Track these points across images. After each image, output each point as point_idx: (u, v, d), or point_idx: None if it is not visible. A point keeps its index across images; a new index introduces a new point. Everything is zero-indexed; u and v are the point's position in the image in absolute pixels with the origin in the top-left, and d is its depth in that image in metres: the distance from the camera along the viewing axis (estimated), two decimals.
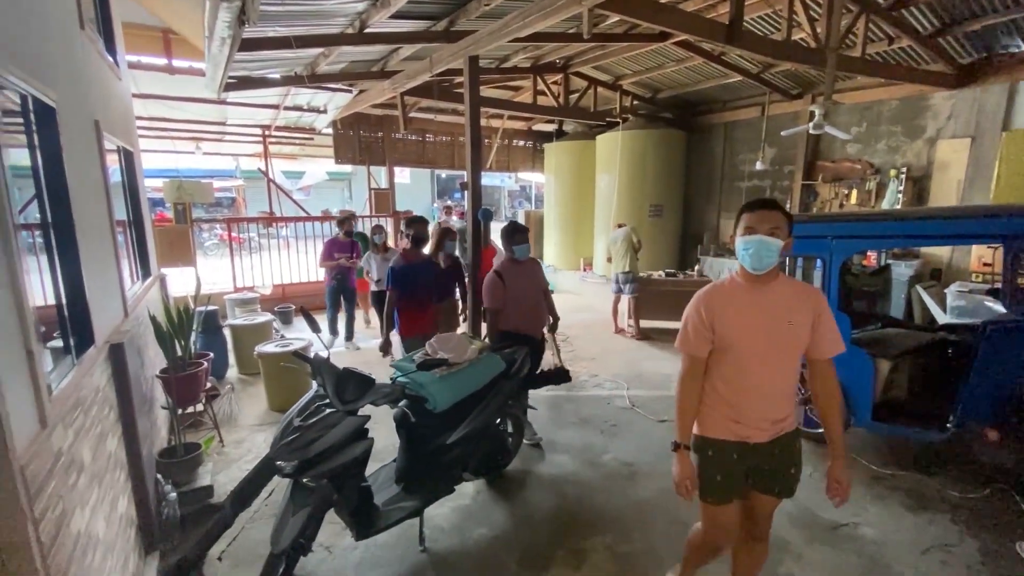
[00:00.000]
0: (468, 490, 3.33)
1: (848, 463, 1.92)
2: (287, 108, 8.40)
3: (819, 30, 5.15)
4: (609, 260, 6.98)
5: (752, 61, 7.55)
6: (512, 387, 3.13)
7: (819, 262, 3.84)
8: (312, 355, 2.56)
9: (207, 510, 3.01)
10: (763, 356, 1.82)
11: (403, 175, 17.49)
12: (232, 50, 3.68)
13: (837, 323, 1.88)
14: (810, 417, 3.79)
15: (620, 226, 7.10)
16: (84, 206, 2.38)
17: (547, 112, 9.15)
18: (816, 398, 1.93)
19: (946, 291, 5.80)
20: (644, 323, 6.96)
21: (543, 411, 4.45)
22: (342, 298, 6.49)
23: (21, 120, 1.89)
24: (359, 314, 7.20)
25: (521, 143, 13.12)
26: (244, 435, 4.14)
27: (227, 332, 5.60)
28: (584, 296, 9.48)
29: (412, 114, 9.53)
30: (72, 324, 2.14)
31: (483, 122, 8.27)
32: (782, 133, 6.85)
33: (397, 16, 5.04)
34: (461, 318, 4.95)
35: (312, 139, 11.23)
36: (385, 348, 3.95)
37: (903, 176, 7.06)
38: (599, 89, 9.33)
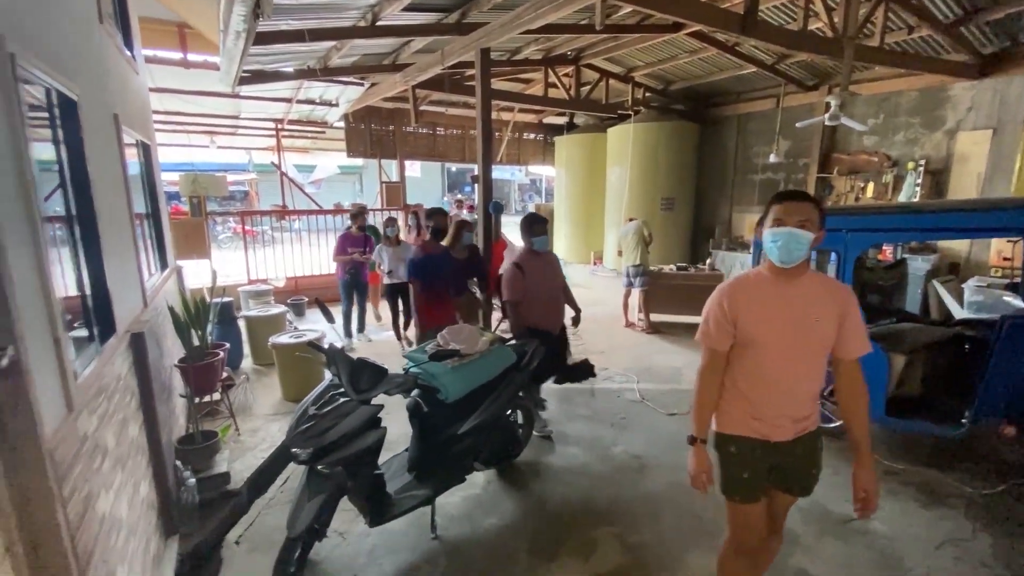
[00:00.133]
0: (479, 480, 3.36)
1: (874, 467, 1.82)
2: (299, 102, 8.46)
3: (836, 19, 5.07)
4: (620, 254, 6.96)
5: (767, 52, 7.46)
6: (523, 378, 3.16)
7: (833, 256, 3.80)
8: (327, 345, 2.60)
9: (224, 496, 3.08)
10: (786, 353, 1.76)
11: (413, 168, 17.53)
12: (247, 44, 3.71)
13: None
14: (823, 412, 3.77)
15: (631, 220, 7.08)
16: (105, 198, 2.43)
17: (558, 105, 9.12)
18: (840, 399, 1.86)
19: (963, 286, 5.72)
20: (655, 317, 6.94)
21: (553, 404, 4.47)
22: (355, 292, 6.54)
23: (45, 114, 1.94)
24: (369, 308, 7.25)
25: (531, 136, 13.09)
26: (259, 424, 4.21)
27: (241, 323, 5.69)
28: (594, 290, 9.46)
29: (423, 107, 9.56)
30: (95, 313, 2.20)
31: (493, 115, 8.25)
32: (797, 124, 6.77)
33: (409, 8, 5.06)
34: (481, 312, 4.92)
35: (324, 132, 11.30)
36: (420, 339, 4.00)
37: (921, 169, 6.94)
38: (611, 81, 9.28)
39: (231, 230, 16.13)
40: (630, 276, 6.80)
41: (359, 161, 15.55)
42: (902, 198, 7.05)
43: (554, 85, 8.68)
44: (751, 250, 5.41)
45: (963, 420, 3.24)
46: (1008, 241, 5.72)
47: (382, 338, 6.64)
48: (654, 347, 6.31)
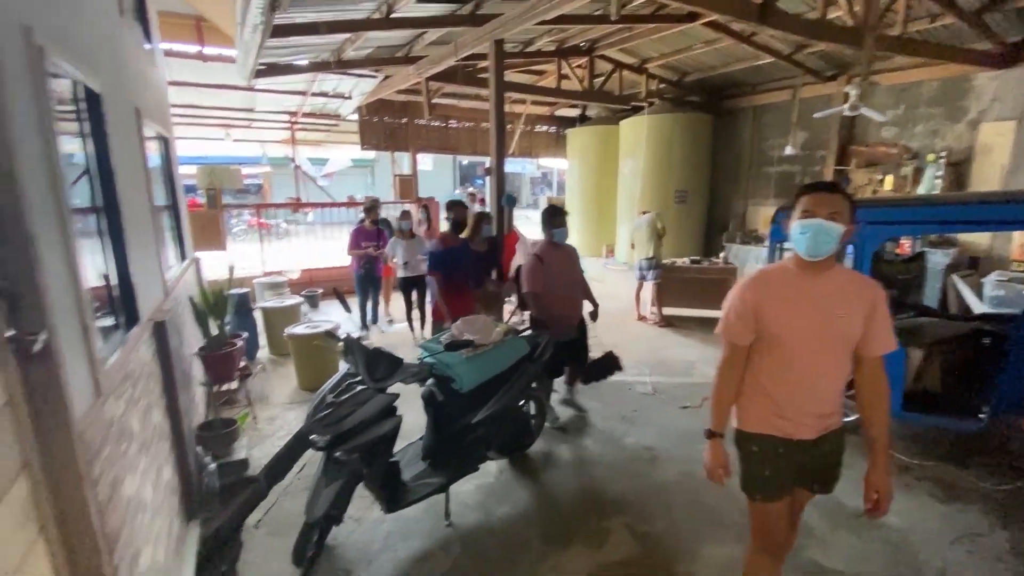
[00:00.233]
0: (491, 469, 3.40)
1: (890, 468, 1.79)
2: (314, 95, 8.50)
3: (857, 8, 4.98)
4: (633, 247, 6.94)
5: (784, 42, 7.34)
6: (536, 369, 3.18)
7: (850, 249, 3.76)
8: (344, 335, 2.64)
9: (244, 482, 3.15)
10: (811, 349, 1.72)
11: (425, 162, 17.57)
12: (264, 36, 3.75)
13: None
14: None
15: (644, 213, 7.04)
16: (128, 191, 2.48)
17: (571, 96, 9.07)
18: (861, 396, 1.81)
19: (984, 280, 5.63)
20: (667, 310, 6.91)
21: (565, 395, 4.49)
22: (369, 286, 6.57)
23: (71, 107, 1.98)
24: (381, 302, 7.29)
25: (543, 129, 13.05)
26: (276, 412, 4.29)
27: (257, 314, 5.78)
28: (606, 283, 9.44)
29: (435, 100, 9.56)
30: (119, 302, 2.25)
31: (506, 107, 8.25)
32: (815, 115, 6.66)
33: (424, 0, 5.06)
34: (507, 302, 4.87)
35: (337, 125, 11.37)
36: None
37: (942, 161, 6.81)
38: (624, 72, 9.21)
39: (245, 223, 16.33)
40: (643, 269, 6.78)
41: (371, 154, 15.65)
42: (921, 191, 6.93)
43: (567, 77, 8.63)
44: (767, 243, 5.36)
45: (981, 415, 3.20)
46: None
47: (395, 330, 6.70)
48: (666, 341, 6.30)
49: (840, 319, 1.69)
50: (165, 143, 4.16)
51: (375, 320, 6.79)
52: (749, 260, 8.20)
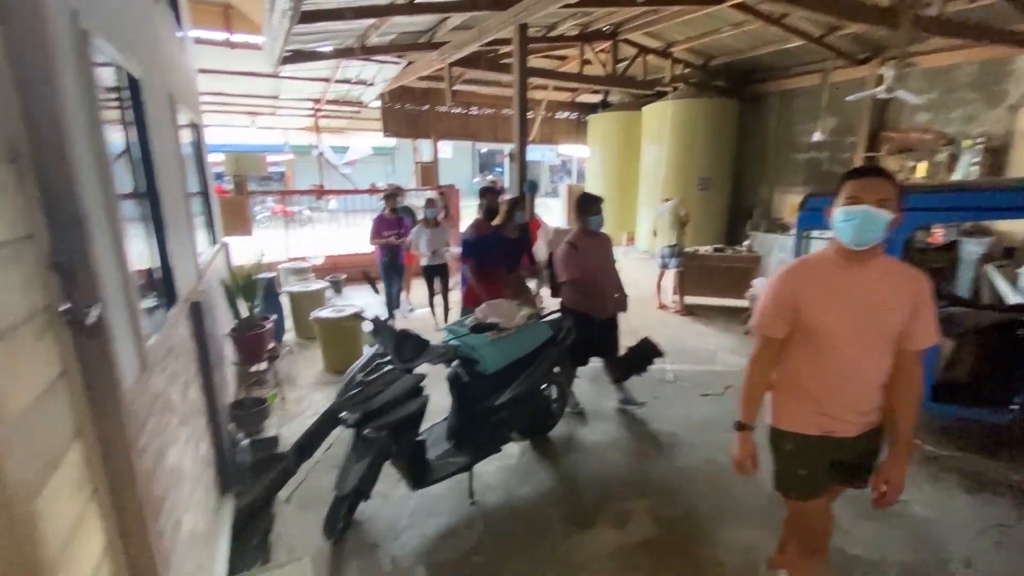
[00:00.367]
0: (514, 451, 3.45)
1: (908, 463, 1.76)
2: (337, 81, 8.57)
3: None
4: (655, 235, 6.87)
5: (816, 23, 7.13)
6: (558, 353, 3.21)
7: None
8: (373, 317, 2.70)
9: (274, 458, 3.26)
10: (854, 343, 1.66)
11: (444, 149, 17.61)
12: (292, 22, 3.79)
13: None
14: None
15: (667, 200, 6.96)
16: (165, 176, 2.56)
17: (594, 82, 8.97)
18: (892, 389, 1.74)
19: (1019, 271, 5.45)
20: (688, 299, 6.86)
21: (585, 382, 4.50)
22: (393, 273, 6.62)
23: (113, 93, 2.04)
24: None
25: (564, 115, 12.94)
26: (303, 393, 4.41)
27: (284, 299, 5.90)
28: (626, 271, 9.38)
29: (456, 86, 9.54)
30: (160, 283, 2.34)
31: (527, 93, 8.20)
32: (848, 98, 6.48)
33: None
34: (536, 286, 4.82)
35: (359, 112, 11.44)
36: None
37: (979, 147, 6.58)
38: (648, 57, 9.06)
39: (268, 210, 16.61)
40: (664, 257, 6.72)
41: (392, 142, 15.70)
42: (956, 178, 6.71)
43: (589, 62, 8.53)
44: (793, 232, 5.27)
45: (1013, 407, 3.13)
46: None
47: (417, 315, 6.79)
48: (688, 329, 6.26)
49: (885, 311, 1.63)
50: (196, 130, 4.25)
51: (397, 305, 6.87)
52: (774, 249, 8.05)
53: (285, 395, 4.26)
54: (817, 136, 8.23)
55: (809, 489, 1.83)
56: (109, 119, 1.96)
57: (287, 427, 3.76)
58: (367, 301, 5.57)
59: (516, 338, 3.00)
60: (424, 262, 5.95)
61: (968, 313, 3.89)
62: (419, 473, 2.68)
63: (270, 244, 8.81)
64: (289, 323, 5.95)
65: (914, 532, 2.69)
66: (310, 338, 5.56)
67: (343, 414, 2.38)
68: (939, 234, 6.57)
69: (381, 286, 6.42)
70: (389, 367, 2.52)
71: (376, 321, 2.64)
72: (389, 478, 2.94)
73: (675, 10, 6.79)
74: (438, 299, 6.14)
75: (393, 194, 6.56)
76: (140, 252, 2.20)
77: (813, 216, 3.66)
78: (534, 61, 8.82)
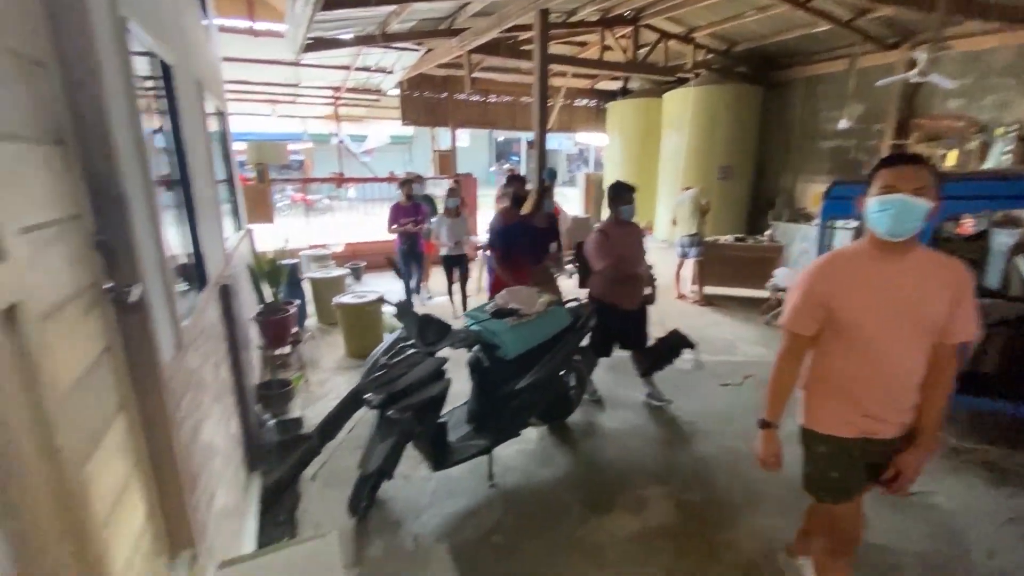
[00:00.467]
0: (533, 436, 3.50)
1: (929, 456, 1.72)
2: (357, 69, 8.59)
3: None
4: (675, 224, 6.81)
5: (844, 6, 6.93)
6: (578, 340, 3.23)
7: None
8: (397, 301, 2.75)
9: (299, 439, 3.35)
10: (893, 338, 1.59)
11: (461, 138, 17.59)
12: (315, 9, 3.82)
13: None
14: None
15: (687, 189, 6.89)
16: (195, 162, 2.62)
17: (615, 68, 8.86)
18: (925, 382, 1.67)
19: None
20: (707, 289, 6.80)
21: (603, 370, 4.51)
22: (413, 261, 6.67)
23: (147, 79, 2.09)
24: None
25: (583, 102, 12.82)
26: (326, 376, 4.50)
27: (306, 285, 6.00)
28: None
29: (475, 74, 9.51)
30: (192, 266, 2.41)
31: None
32: (878, 83, 6.29)
33: None
34: (564, 271, 4.76)
35: (379, 100, 11.47)
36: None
37: (1012, 134, 6.37)
38: (670, 43, 8.91)
39: (288, 198, 16.80)
40: (684, 246, 6.66)
41: (410, 131, 15.74)
42: (988, 167, 6.51)
43: (610, 48, 8.42)
44: (817, 221, 5.18)
45: None
46: None
47: (437, 302, 6.86)
48: (707, 319, 6.22)
49: (925, 305, 1.56)
50: (222, 117, 4.33)
51: (417, 292, 6.94)
52: (796, 239, 7.93)
53: (308, 378, 4.36)
54: (843, 123, 8.02)
55: (841, 492, 1.79)
56: (145, 105, 2.02)
57: (311, 409, 3.85)
58: (386, 288, 5.62)
59: (536, 324, 3.03)
60: (444, 251, 5.98)
61: (997, 304, 3.81)
62: (440, 455, 2.73)
63: (291, 232, 8.96)
64: (311, 309, 6.05)
65: (937, 523, 2.67)
66: (332, 323, 5.66)
67: (368, 395, 2.44)
68: (968, 224, 6.39)
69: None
70: (412, 350, 2.56)
71: (400, 304, 2.69)
72: (411, 459, 3.00)
73: None
74: (456, 288, 6.18)
75: (409, 181, 6.59)
76: (173, 236, 2.27)
77: (838, 204, 3.59)
78: (554, 47, 8.73)
